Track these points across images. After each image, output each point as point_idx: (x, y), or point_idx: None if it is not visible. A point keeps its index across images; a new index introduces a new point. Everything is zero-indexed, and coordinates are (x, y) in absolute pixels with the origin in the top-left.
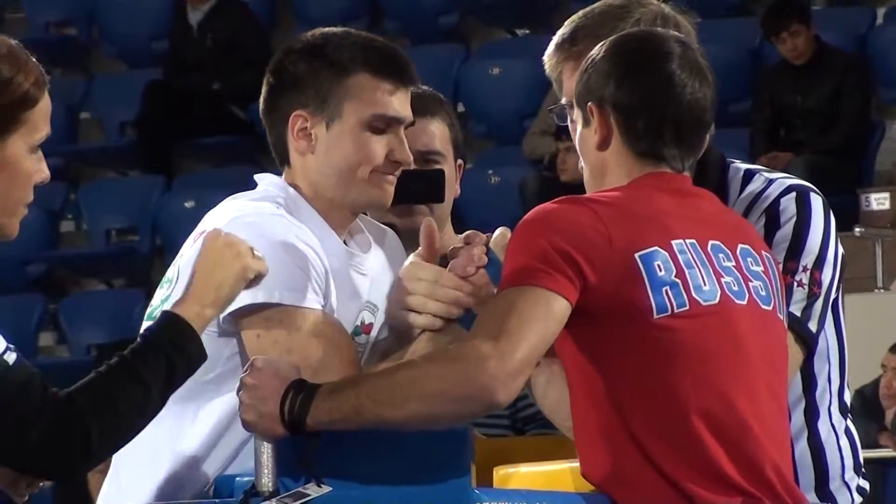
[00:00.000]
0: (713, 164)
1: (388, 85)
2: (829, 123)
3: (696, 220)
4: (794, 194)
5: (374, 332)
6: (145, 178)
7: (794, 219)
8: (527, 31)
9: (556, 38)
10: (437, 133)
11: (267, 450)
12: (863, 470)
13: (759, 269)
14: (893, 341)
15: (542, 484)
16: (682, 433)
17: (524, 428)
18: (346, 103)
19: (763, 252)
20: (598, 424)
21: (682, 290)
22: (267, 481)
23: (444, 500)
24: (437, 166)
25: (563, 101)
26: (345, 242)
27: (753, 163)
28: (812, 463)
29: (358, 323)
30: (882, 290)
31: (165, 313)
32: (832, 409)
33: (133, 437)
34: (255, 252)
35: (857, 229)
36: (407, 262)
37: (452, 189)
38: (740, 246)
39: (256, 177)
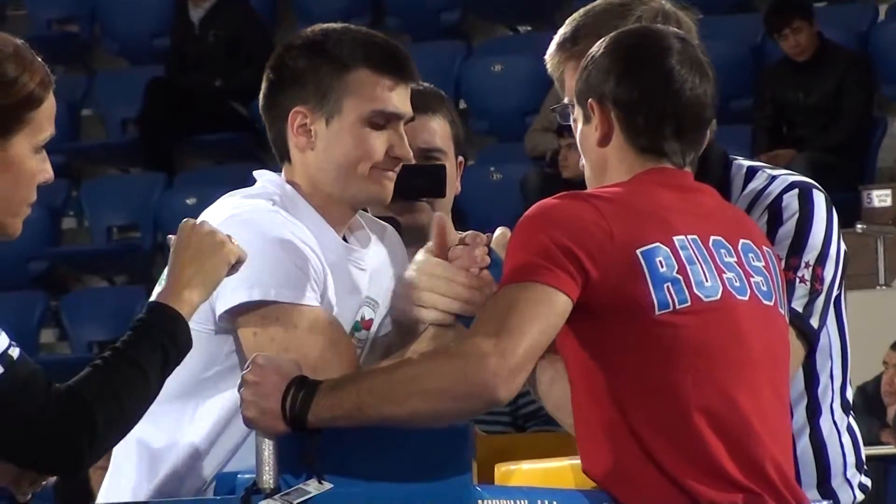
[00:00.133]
0: (716, 161)
1: (388, 81)
2: (832, 120)
3: (697, 216)
4: (796, 191)
5: (374, 328)
6: (147, 175)
7: (797, 215)
8: (528, 28)
9: (557, 38)
10: (439, 130)
11: (268, 447)
12: (865, 467)
13: (761, 264)
14: (895, 338)
15: (544, 481)
16: (684, 430)
17: (525, 425)
18: (346, 99)
19: (764, 247)
20: (599, 421)
21: (684, 287)
22: (268, 478)
23: (446, 497)
24: (438, 163)
25: (566, 100)
26: (344, 238)
27: (755, 160)
28: (814, 460)
29: (358, 319)
30: (884, 287)
31: (153, 303)
32: (834, 406)
33: (134, 426)
34: (232, 238)
35: (859, 226)
36: (417, 258)
37: (453, 186)
38: (741, 241)
39: (255, 173)
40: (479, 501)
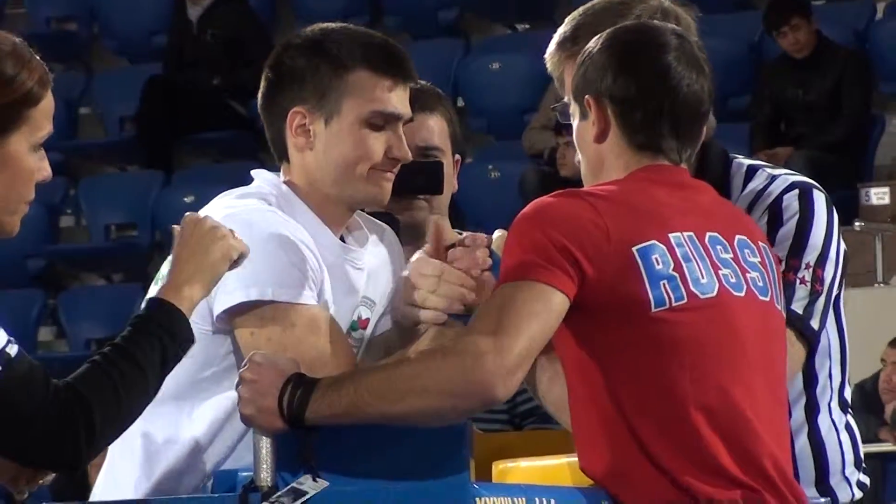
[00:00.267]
0: (715, 159)
1: (388, 81)
2: (830, 118)
3: (693, 213)
4: (796, 191)
5: (370, 327)
6: (145, 174)
7: (797, 216)
8: (526, 26)
9: (556, 37)
10: (436, 128)
11: (266, 444)
12: (863, 465)
13: (757, 259)
14: (893, 335)
15: (541, 478)
16: (681, 427)
17: (522, 423)
18: (346, 100)
19: (760, 243)
20: (597, 419)
21: (680, 284)
22: (266, 476)
23: (443, 494)
24: (436, 160)
25: (566, 98)
26: (342, 238)
27: (754, 158)
28: (812, 458)
29: (354, 318)
30: (882, 285)
31: (153, 299)
32: (832, 404)
33: (133, 423)
34: (234, 233)
35: (857, 224)
36: (413, 259)
37: (450, 184)
38: (738, 237)
39: (253, 173)
40: (477, 499)
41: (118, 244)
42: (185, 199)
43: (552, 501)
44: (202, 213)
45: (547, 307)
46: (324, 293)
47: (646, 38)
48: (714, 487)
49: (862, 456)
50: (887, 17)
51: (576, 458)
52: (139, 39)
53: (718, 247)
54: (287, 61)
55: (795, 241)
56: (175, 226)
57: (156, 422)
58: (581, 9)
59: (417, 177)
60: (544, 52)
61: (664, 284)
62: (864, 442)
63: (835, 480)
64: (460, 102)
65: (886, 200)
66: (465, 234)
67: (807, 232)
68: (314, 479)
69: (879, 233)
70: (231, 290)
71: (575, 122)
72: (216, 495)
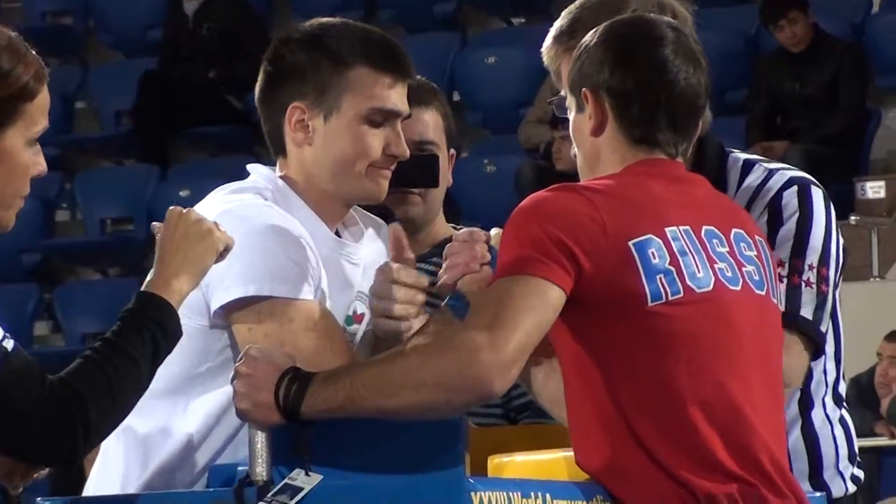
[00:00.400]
0: (711, 153)
1: (388, 78)
2: (827, 111)
3: (689, 206)
4: (795, 188)
5: (365, 322)
6: (141, 168)
7: (797, 215)
8: (522, 20)
9: (553, 31)
10: (431, 122)
11: (261, 439)
12: (857, 459)
13: (752, 253)
14: (889, 330)
15: (537, 473)
16: (677, 421)
17: (517, 417)
18: (345, 96)
19: (756, 236)
20: (593, 413)
21: (676, 278)
22: (261, 470)
23: (439, 489)
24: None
25: (563, 92)
26: (337, 233)
27: (750, 152)
28: (806, 452)
29: (350, 313)
30: (878, 279)
31: (143, 293)
32: (826, 399)
33: (126, 416)
34: (218, 226)
35: (853, 218)
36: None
37: (445, 178)
38: (734, 230)
39: (249, 167)
40: (472, 493)
41: (114, 238)
42: (181, 193)
43: (547, 496)
44: (198, 207)
45: (543, 301)
46: (321, 288)
47: (643, 31)
48: (710, 482)
49: (856, 450)
50: (884, 10)
51: (571, 453)
52: (135, 33)
53: (714, 240)
54: (287, 56)
55: (797, 242)
56: (156, 223)
57: (151, 416)
58: (577, 3)
59: (412, 170)
60: (540, 46)
61: (660, 278)
62: (859, 436)
63: (828, 474)
64: (456, 96)
65: (882, 194)
66: (462, 229)
67: (807, 231)
68: (307, 474)
69: (875, 227)
70: (228, 286)
71: (571, 116)
72: (211, 489)
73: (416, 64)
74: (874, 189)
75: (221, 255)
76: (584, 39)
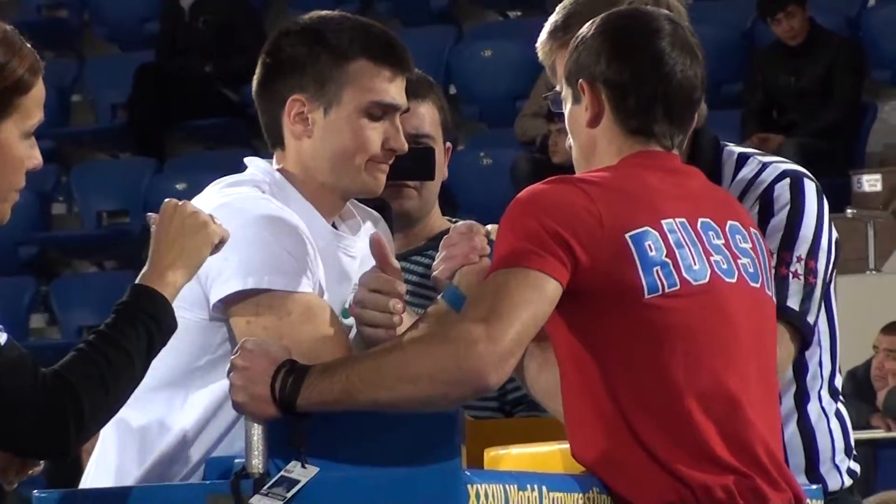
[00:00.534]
0: (706, 146)
1: (388, 72)
2: (822, 104)
3: (685, 199)
4: (788, 181)
5: None
6: (137, 161)
7: (788, 207)
8: (518, 14)
9: (548, 25)
10: (427, 116)
11: (257, 431)
12: (854, 452)
13: (748, 245)
14: (885, 322)
15: (533, 465)
16: (673, 413)
17: (512, 411)
18: (345, 89)
19: (751, 228)
20: (589, 406)
21: (673, 270)
22: (257, 463)
23: (435, 481)
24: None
25: (558, 87)
26: (334, 226)
27: (745, 145)
28: (802, 446)
29: (346, 305)
30: (874, 272)
31: (137, 286)
32: (822, 392)
33: (119, 409)
34: (214, 219)
35: (849, 211)
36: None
37: (441, 171)
38: (729, 223)
39: (246, 160)
40: (469, 486)
41: (110, 231)
42: (177, 186)
43: (543, 488)
44: (195, 201)
45: (540, 294)
46: (318, 280)
47: (640, 23)
48: (706, 474)
49: (852, 443)
50: (879, 4)
51: (567, 445)
52: (130, 26)
53: (710, 233)
54: (286, 48)
55: (787, 234)
56: (151, 213)
57: (149, 409)
58: None
59: (408, 162)
60: (536, 40)
61: (657, 271)
62: (856, 429)
63: (825, 468)
64: (452, 90)
65: (878, 187)
66: (458, 222)
67: (798, 223)
68: (303, 466)
69: (871, 220)
70: (227, 279)
71: (567, 107)
72: (208, 482)
73: (412, 57)
74: (870, 182)
75: (216, 248)
76: (580, 31)
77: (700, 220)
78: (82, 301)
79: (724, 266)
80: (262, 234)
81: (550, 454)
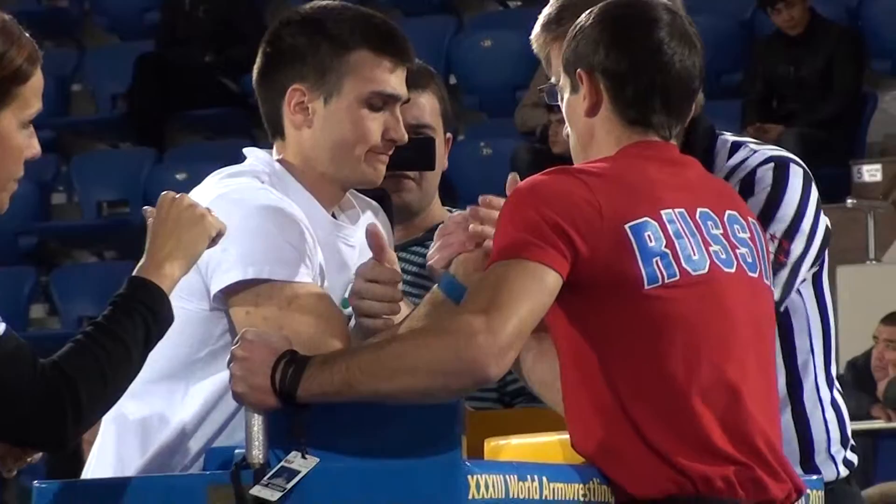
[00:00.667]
0: (702, 134)
1: (388, 62)
2: (822, 95)
3: (684, 189)
4: (772, 164)
5: None
6: (137, 151)
7: (769, 188)
8: (519, 3)
9: (541, 18)
10: (428, 106)
11: (257, 422)
12: (851, 443)
13: (746, 235)
14: (885, 312)
15: (533, 455)
16: (673, 404)
17: (512, 402)
18: (346, 79)
19: (749, 218)
20: (589, 397)
21: (672, 261)
22: (258, 453)
23: (435, 472)
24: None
25: (553, 79)
26: (333, 215)
27: (744, 134)
28: (796, 436)
29: (346, 295)
30: (874, 262)
31: (134, 277)
32: (818, 381)
33: (117, 401)
34: (211, 211)
35: (849, 201)
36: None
37: (441, 162)
38: (727, 212)
39: (245, 151)
40: (469, 476)
41: (110, 221)
42: (178, 176)
43: (544, 478)
44: (195, 192)
45: (540, 286)
46: (318, 270)
47: (638, 13)
48: (706, 465)
49: (849, 433)
50: None
51: (567, 436)
52: (131, 16)
53: (709, 223)
54: (287, 38)
55: (763, 213)
56: (148, 207)
57: (149, 401)
58: None
59: (409, 152)
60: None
61: (657, 261)
62: (855, 419)
63: (820, 458)
64: (452, 80)
65: (878, 177)
66: (455, 212)
67: (776, 204)
68: (303, 457)
69: (871, 210)
70: (227, 270)
71: (565, 96)
72: (208, 472)
73: (412, 47)
74: (870, 172)
75: (213, 241)
76: (578, 20)
77: (699, 210)
78: (82, 291)
79: (723, 256)
80: (262, 225)
81: (551, 445)
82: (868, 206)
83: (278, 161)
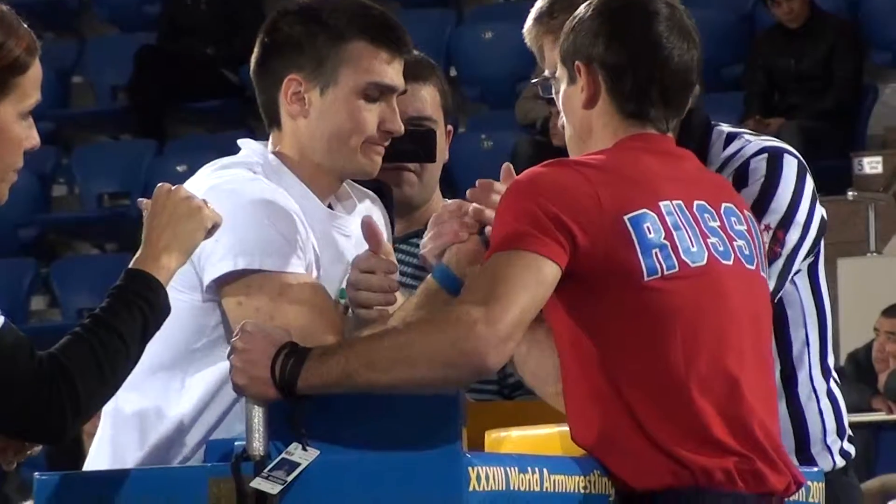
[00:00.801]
0: (697, 126)
1: (385, 53)
2: (823, 87)
3: (681, 181)
4: (765, 155)
5: None
6: (137, 143)
7: (763, 179)
8: None
9: (533, 11)
10: (429, 98)
11: (258, 413)
12: (848, 433)
13: (743, 227)
14: (886, 305)
15: (534, 447)
16: (673, 396)
17: (512, 394)
18: (342, 69)
19: (745, 210)
20: (589, 390)
21: (671, 252)
22: (258, 445)
23: (436, 463)
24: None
25: (547, 72)
26: (330, 206)
27: (744, 127)
28: (792, 427)
29: (343, 285)
30: (875, 254)
31: (131, 270)
32: (813, 372)
33: (115, 393)
34: (207, 203)
35: (850, 193)
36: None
37: (442, 155)
38: (724, 205)
39: (240, 142)
40: (470, 468)
41: (110, 213)
42: (178, 168)
43: (545, 470)
44: (188, 184)
45: (539, 277)
46: (312, 261)
47: (637, 5)
48: (706, 456)
49: (846, 424)
50: None
51: (567, 428)
52: (131, 8)
53: (706, 215)
54: (284, 28)
55: (757, 203)
56: (143, 199)
57: (147, 393)
58: None
59: (409, 145)
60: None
61: (656, 253)
62: (857, 411)
63: (816, 449)
64: (453, 72)
65: (879, 170)
66: (450, 202)
67: (770, 195)
68: (304, 449)
69: (872, 202)
70: (218, 260)
71: (563, 88)
72: (209, 465)
73: (412, 39)
74: (871, 164)
75: (210, 233)
76: (577, 12)
77: (696, 202)
78: (83, 283)
79: (721, 248)
80: (253, 216)
81: (551, 437)
82: (869, 198)
83: (274, 152)
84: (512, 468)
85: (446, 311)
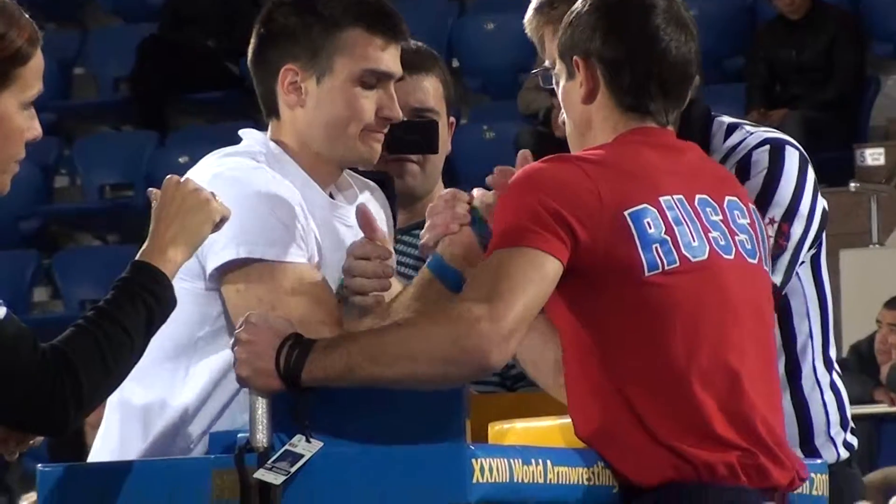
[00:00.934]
0: (697, 118)
1: (380, 40)
2: (824, 78)
3: (682, 175)
4: (767, 147)
5: None
6: (139, 134)
7: (765, 171)
8: None
9: (534, 2)
10: (431, 89)
11: (262, 405)
12: (851, 425)
13: (746, 221)
14: (888, 297)
15: (537, 439)
16: (674, 391)
17: (514, 386)
18: (338, 58)
19: (749, 204)
20: (591, 384)
21: (672, 247)
22: (262, 437)
23: (440, 455)
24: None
25: (547, 63)
26: (331, 195)
27: (747, 118)
28: (796, 418)
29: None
30: (877, 246)
31: (137, 262)
32: (816, 364)
33: (118, 386)
34: (215, 196)
35: (853, 185)
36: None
37: (445, 146)
38: (727, 198)
39: (241, 132)
40: (473, 460)
41: (113, 204)
42: (180, 159)
43: (548, 462)
44: (191, 172)
45: (540, 273)
46: (313, 251)
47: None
48: (708, 451)
49: (849, 416)
50: None
51: (570, 420)
52: None
53: (708, 209)
54: (279, 18)
55: (761, 196)
56: (153, 189)
57: (151, 384)
58: None
59: (412, 135)
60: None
61: (656, 248)
62: (859, 403)
63: (819, 441)
64: (455, 63)
65: (881, 161)
66: (445, 191)
67: (773, 187)
68: (308, 441)
69: (875, 193)
70: (220, 249)
71: (561, 83)
72: (212, 456)
73: (414, 30)
74: (874, 156)
75: (217, 226)
76: (574, 6)
77: (697, 196)
78: (85, 274)
79: (722, 242)
80: (255, 204)
81: (554, 428)
82: (871, 189)
83: (274, 141)
84: (516, 460)
85: (449, 308)
